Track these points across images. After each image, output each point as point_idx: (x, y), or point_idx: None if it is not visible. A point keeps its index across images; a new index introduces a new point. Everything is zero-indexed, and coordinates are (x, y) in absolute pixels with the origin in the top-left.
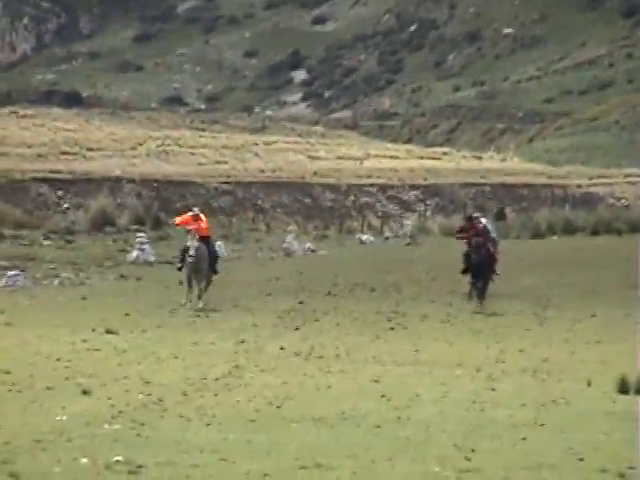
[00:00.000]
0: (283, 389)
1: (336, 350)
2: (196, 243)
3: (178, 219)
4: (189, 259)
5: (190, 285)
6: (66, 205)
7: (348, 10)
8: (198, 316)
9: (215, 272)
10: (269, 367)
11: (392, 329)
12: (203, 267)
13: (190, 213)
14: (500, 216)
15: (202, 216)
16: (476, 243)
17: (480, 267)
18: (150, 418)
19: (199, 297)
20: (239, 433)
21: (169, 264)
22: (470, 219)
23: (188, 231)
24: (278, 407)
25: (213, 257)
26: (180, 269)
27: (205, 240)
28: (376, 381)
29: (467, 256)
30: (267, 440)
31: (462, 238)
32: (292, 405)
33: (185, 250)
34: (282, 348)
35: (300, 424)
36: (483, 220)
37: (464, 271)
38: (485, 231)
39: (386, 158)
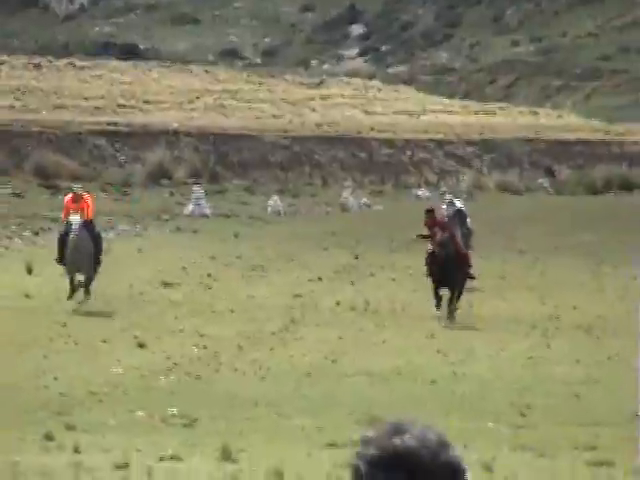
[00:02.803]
0: (338, 344)
1: (391, 305)
2: (79, 220)
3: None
4: (71, 236)
5: (72, 275)
6: (123, 158)
7: None
8: (254, 270)
9: (99, 263)
10: (324, 322)
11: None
12: (87, 251)
13: (70, 194)
14: (548, 173)
15: (86, 196)
16: (442, 239)
17: (446, 269)
18: (205, 371)
19: (86, 289)
20: (294, 387)
21: (225, 217)
22: (430, 212)
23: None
24: (333, 361)
25: (98, 245)
26: (60, 260)
27: (88, 225)
28: (431, 336)
29: (431, 256)
30: (322, 394)
31: (425, 237)
32: (347, 360)
33: (64, 235)
34: (338, 303)
35: (355, 379)
36: (458, 203)
37: (430, 274)
38: (452, 222)
39: (443, 113)
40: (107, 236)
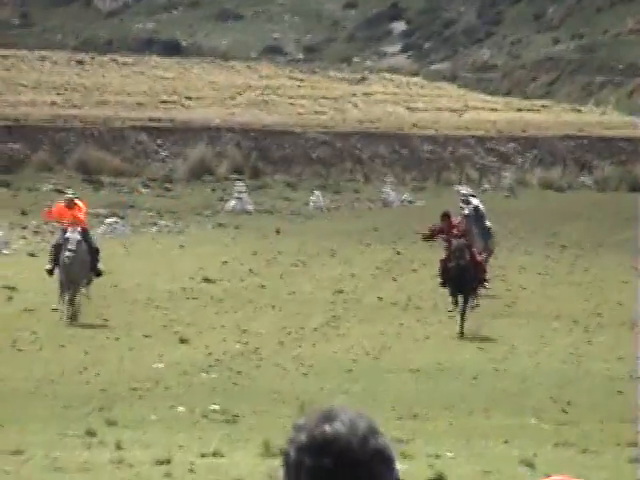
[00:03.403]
0: (380, 339)
1: (433, 301)
2: (77, 235)
3: (47, 212)
4: (67, 254)
5: (65, 288)
6: (165, 153)
7: None
8: (296, 265)
9: (98, 273)
10: (367, 317)
11: (490, 283)
12: (83, 267)
13: (64, 200)
14: (584, 168)
15: (79, 202)
16: (457, 245)
17: (461, 277)
18: (247, 367)
19: (70, 302)
20: (336, 383)
21: (267, 213)
22: (447, 216)
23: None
24: (375, 358)
25: (94, 254)
26: (51, 271)
27: (83, 233)
28: (473, 333)
29: (445, 263)
30: (364, 390)
31: (428, 239)
32: (389, 356)
33: (58, 246)
34: (380, 298)
35: (397, 375)
36: (474, 201)
37: (443, 284)
38: (470, 221)
39: (485, 110)
40: (149, 231)
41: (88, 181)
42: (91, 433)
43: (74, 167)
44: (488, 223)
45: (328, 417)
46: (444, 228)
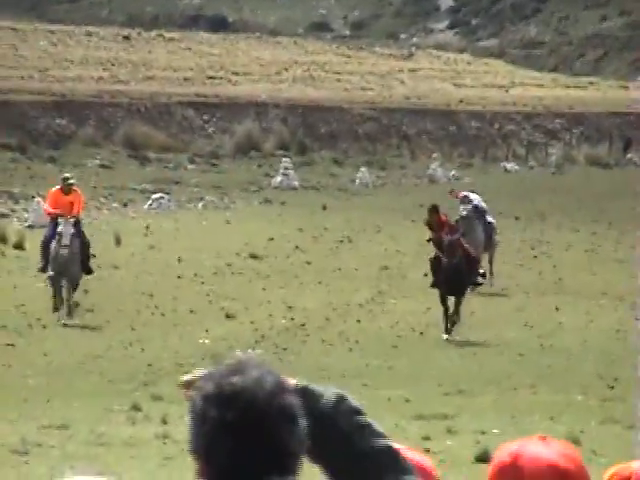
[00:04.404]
0: (426, 316)
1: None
2: (70, 228)
3: (46, 206)
4: (61, 251)
5: (57, 288)
6: (211, 129)
7: None
8: (342, 241)
9: (89, 271)
10: (412, 293)
11: (535, 257)
12: (75, 263)
13: (61, 183)
14: (627, 146)
15: (76, 188)
16: (449, 243)
17: (454, 279)
18: (293, 343)
19: (67, 306)
20: (381, 359)
21: (313, 189)
22: (434, 210)
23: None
24: (421, 333)
25: (85, 249)
26: (44, 269)
27: (78, 228)
28: (519, 309)
29: (435, 262)
30: (409, 366)
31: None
32: (435, 332)
33: (48, 240)
34: (425, 275)
35: (442, 351)
36: (474, 198)
37: (435, 284)
38: (471, 220)
39: (532, 86)
40: (195, 207)
41: (134, 157)
42: (136, 408)
43: (120, 143)
44: (490, 218)
45: (237, 369)
46: (432, 222)
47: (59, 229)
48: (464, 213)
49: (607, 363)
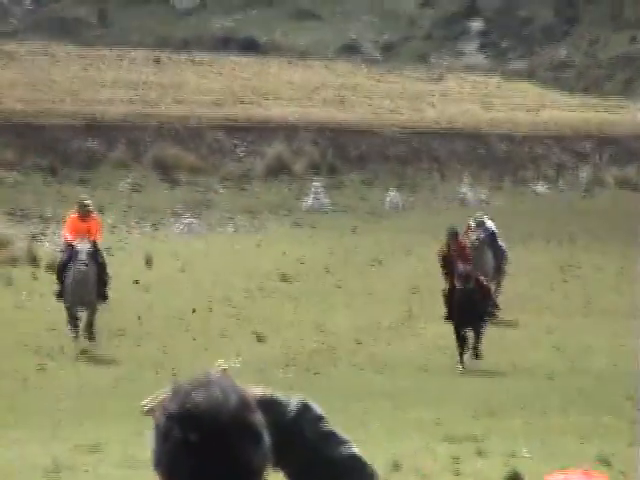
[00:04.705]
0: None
1: (509, 301)
2: (87, 245)
3: (64, 231)
4: (77, 267)
5: (74, 313)
6: (242, 152)
7: None
8: (372, 264)
9: (105, 298)
10: (442, 316)
11: (565, 282)
12: (91, 288)
13: (77, 208)
14: None
15: (94, 214)
16: (461, 272)
17: (466, 309)
18: (323, 365)
19: (89, 332)
20: (411, 381)
21: (343, 212)
22: (454, 235)
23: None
24: (451, 356)
25: (102, 274)
26: (60, 294)
27: (95, 252)
28: (549, 332)
29: (448, 294)
30: (439, 388)
31: (446, 267)
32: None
33: (64, 265)
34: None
35: (472, 373)
36: (488, 223)
37: (448, 316)
38: (484, 245)
39: (561, 108)
40: (226, 230)
41: (164, 179)
42: None
43: (150, 165)
44: (501, 243)
45: (201, 387)
46: (451, 249)
47: (76, 248)
48: (474, 237)
49: (637, 385)
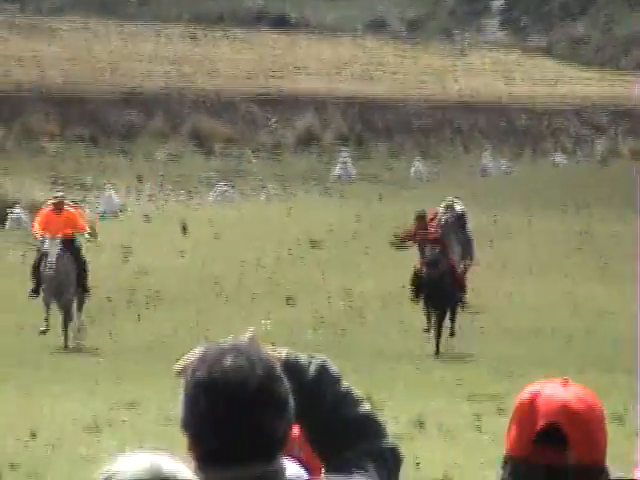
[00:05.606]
0: (477, 301)
1: (529, 265)
2: (56, 248)
3: (36, 225)
4: (47, 271)
5: (48, 309)
6: (273, 123)
7: None
8: (398, 230)
9: (86, 289)
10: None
11: (581, 248)
12: (67, 284)
13: (49, 203)
14: None
15: (69, 207)
16: (432, 255)
17: (436, 289)
18: (351, 326)
19: (65, 326)
20: (436, 343)
21: (370, 181)
22: (421, 218)
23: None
24: (472, 319)
25: (81, 267)
26: (36, 291)
27: (68, 244)
28: (568, 294)
29: (417, 275)
30: (461, 350)
31: (403, 244)
32: (486, 317)
33: (38, 263)
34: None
35: (493, 335)
36: (458, 207)
37: (415, 297)
38: (452, 228)
39: (579, 83)
40: (259, 197)
41: (200, 149)
42: None
43: (187, 135)
44: (469, 230)
45: (229, 353)
46: (417, 233)
47: (44, 248)
48: (442, 220)
49: None
